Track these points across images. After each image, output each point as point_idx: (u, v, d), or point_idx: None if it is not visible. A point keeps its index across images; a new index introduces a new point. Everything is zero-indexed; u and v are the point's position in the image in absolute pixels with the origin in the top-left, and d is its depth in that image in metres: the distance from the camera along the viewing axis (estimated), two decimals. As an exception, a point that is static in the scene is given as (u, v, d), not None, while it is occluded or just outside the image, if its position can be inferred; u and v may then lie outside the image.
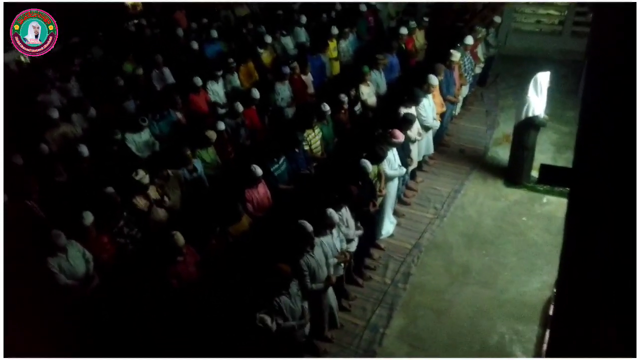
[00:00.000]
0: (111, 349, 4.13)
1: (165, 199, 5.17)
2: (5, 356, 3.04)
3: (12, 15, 4.42)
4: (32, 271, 4.38)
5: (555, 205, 6.57)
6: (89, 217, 4.49)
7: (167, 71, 7.63)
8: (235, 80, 7.56)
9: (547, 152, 7.63)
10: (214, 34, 8.58)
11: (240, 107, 6.40)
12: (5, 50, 6.03)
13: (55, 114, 6.14)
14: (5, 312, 3.43)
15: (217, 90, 7.28)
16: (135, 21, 9.93)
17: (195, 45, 8.17)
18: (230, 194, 5.09)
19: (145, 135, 6.19)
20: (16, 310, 3.93)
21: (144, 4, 11.09)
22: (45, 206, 5.15)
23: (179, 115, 6.65)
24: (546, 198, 6.77)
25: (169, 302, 4.25)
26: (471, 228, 6.39)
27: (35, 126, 6.23)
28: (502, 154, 7.66)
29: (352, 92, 6.94)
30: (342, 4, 10.04)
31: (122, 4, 10.78)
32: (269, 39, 8.32)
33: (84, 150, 5.51)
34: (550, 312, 4.92)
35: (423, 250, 6.07)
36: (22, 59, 8.30)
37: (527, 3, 10.81)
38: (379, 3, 10.02)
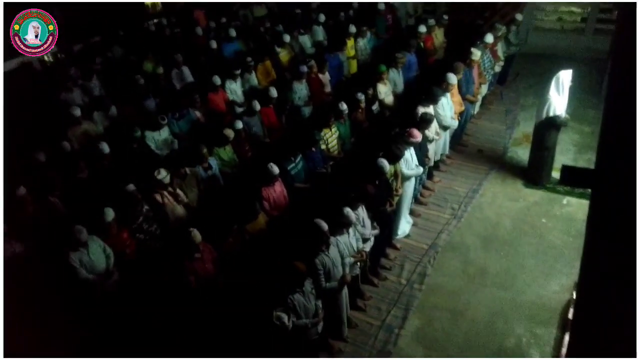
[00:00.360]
0: (123, 344, 4.19)
1: (180, 192, 5.22)
2: (5, 356, 3.06)
3: (12, 15, 4.42)
4: (51, 265, 4.48)
5: (576, 207, 6.45)
6: (110, 214, 4.58)
7: (186, 70, 7.73)
8: (253, 79, 7.61)
9: (568, 152, 7.50)
10: (233, 33, 8.64)
11: (257, 106, 6.44)
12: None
13: (77, 112, 6.29)
14: (16, 308, 3.47)
15: (235, 89, 7.35)
16: (155, 20, 10.09)
17: (214, 44, 8.24)
18: (247, 192, 5.13)
19: (164, 133, 6.28)
20: (30, 306, 4.02)
21: (163, 3, 11.25)
22: (68, 202, 5.26)
23: (198, 114, 6.73)
24: (566, 199, 6.65)
25: (185, 298, 4.30)
26: (489, 229, 6.32)
27: (57, 124, 6.38)
28: (522, 154, 7.56)
29: (370, 91, 6.92)
30: (359, 2, 10.02)
31: (142, 3, 10.94)
32: (286, 38, 8.36)
33: (105, 147, 5.62)
34: (570, 316, 4.84)
35: (439, 251, 6.02)
36: (46, 57, 8.49)
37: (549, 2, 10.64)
38: (398, 2, 9.96)
